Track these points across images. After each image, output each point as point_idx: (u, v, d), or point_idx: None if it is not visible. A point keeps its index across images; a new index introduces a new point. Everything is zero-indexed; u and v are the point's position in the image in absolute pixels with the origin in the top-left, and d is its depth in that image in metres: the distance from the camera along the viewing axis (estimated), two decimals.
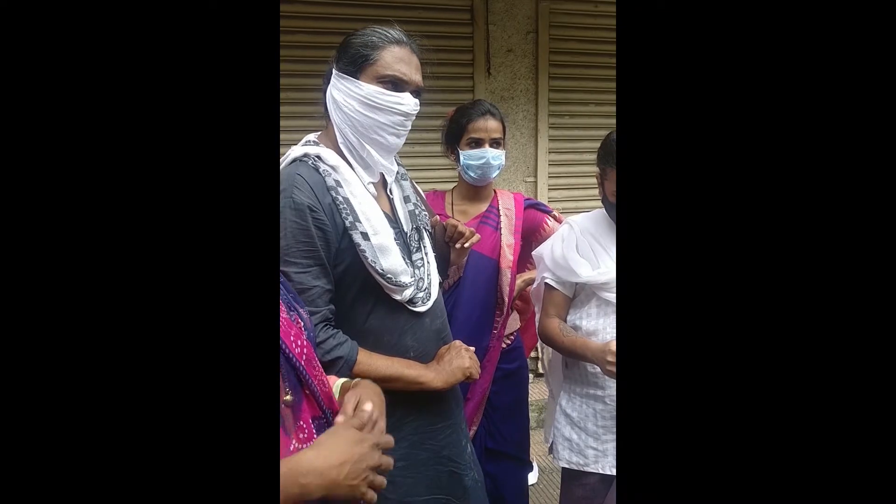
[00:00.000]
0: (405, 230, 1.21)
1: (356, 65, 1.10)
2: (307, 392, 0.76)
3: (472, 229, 1.39)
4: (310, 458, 0.66)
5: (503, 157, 1.74)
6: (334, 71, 1.14)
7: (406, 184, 1.27)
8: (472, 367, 1.20)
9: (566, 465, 1.48)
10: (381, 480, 0.71)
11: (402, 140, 1.16)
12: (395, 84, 1.11)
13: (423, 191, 1.45)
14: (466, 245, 1.36)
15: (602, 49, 3.22)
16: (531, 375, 2.41)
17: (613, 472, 1.40)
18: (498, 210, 1.78)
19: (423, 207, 1.31)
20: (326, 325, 1.07)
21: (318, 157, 1.10)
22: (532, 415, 2.05)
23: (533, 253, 1.59)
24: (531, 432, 1.94)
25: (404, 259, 1.14)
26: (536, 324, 1.55)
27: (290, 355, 0.74)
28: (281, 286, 0.84)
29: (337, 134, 1.14)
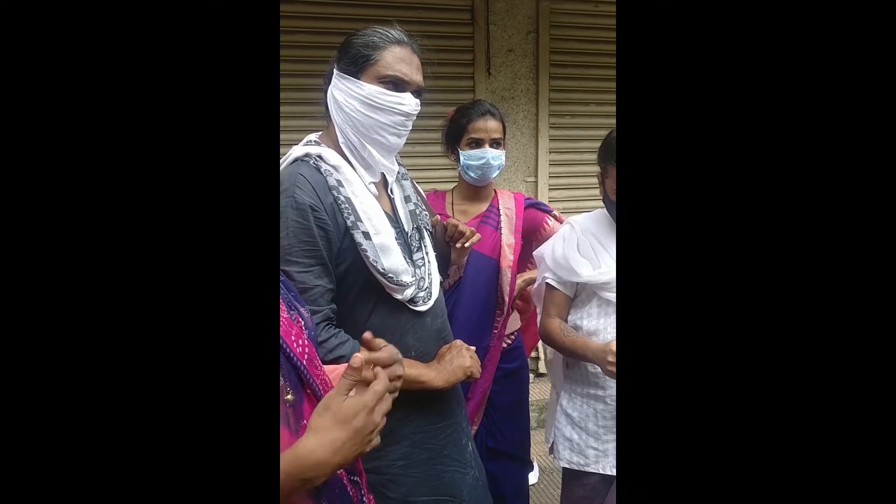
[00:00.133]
0: (406, 230, 1.21)
1: (357, 65, 1.11)
2: (308, 391, 0.76)
3: (473, 229, 1.39)
4: (311, 449, 0.64)
5: (503, 158, 1.74)
6: (335, 71, 1.14)
7: (407, 183, 1.28)
8: (473, 367, 1.21)
9: (567, 465, 1.48)
10: (377, 441, 0.69)
11: (403, 140, 1.16)
12: (396, 84, 1.11)
13: (424, 191, 1.45)
14: (467, 245, 1.36)
15: (602, 49, 3.22)
16: (531, 375, 2.41)
17: (614, 472, 1.40)
18: (498, 210, 1.78)
19: (424, 207, 1.31)
20: (328, 324, 1.07)
21: (320, 157, 1.10)
22: (532, 415, 2.05)
23: (534, 253, 1.60)
24: (531, 432, 1.94)
25: (405, 258, 1.15)
26: (538, 324, 1.55)
27: (291, 354, 0.74)
28: (281, 285, 0.84)
29: (338, 134, 1.14)
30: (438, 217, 1.44)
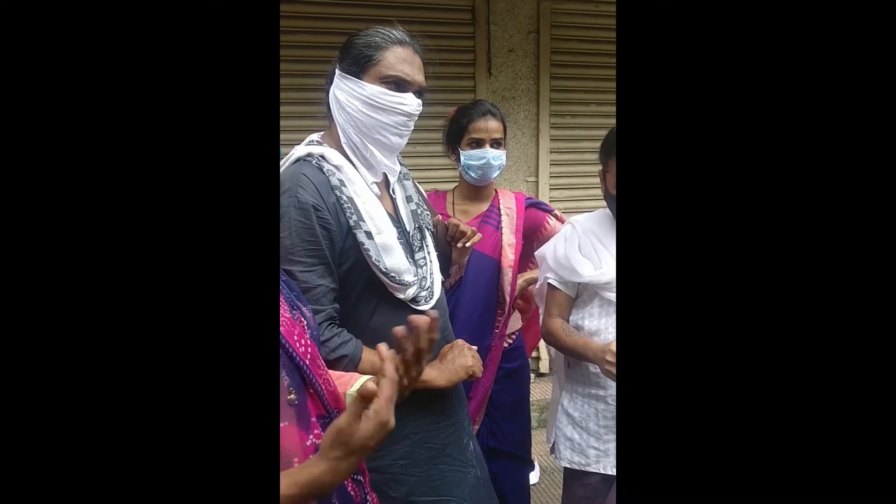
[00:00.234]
0: (408, 229, 1.21)
1: (359, 65, 1.11)
2: (311, 391, 0.76)
3: (474, 228, 1.40)
4: (317, 475, 0.63)
5: (504, 158, 1.74)
6: (337, 71, 1.14)
7: (408, 183, 1.28)
8: (475, 366, 1.21)
9: (568, 465, 1.48)
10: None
11: (405, 140, 1.17)
12: (398, 84, 1.11)
13: (425, 191, 1.45)
14: (468, 244, 1.37)
15: (603, 49, 3.22)
16: (532, 375, 2.41)
17: (615, 471, 1.40)
18: (499, 209, 1.78)
19: (426, 207, 1.32)
20: (331, 323, 1.07)
21: (322, 157, 1.11)
22: (533, 414, 2.05)
23: (535, 253, 1.60)
24: (532, 432, 1.94)
25: (407, 258, 1.15)
26: (540, 324, 1.56)
27: (294, 354, 0.74)
28: (284, 285, 0.84)
29: (340, 134, 1.14)
30: (440, 217, 1.44)
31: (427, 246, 1.25)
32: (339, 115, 1.14)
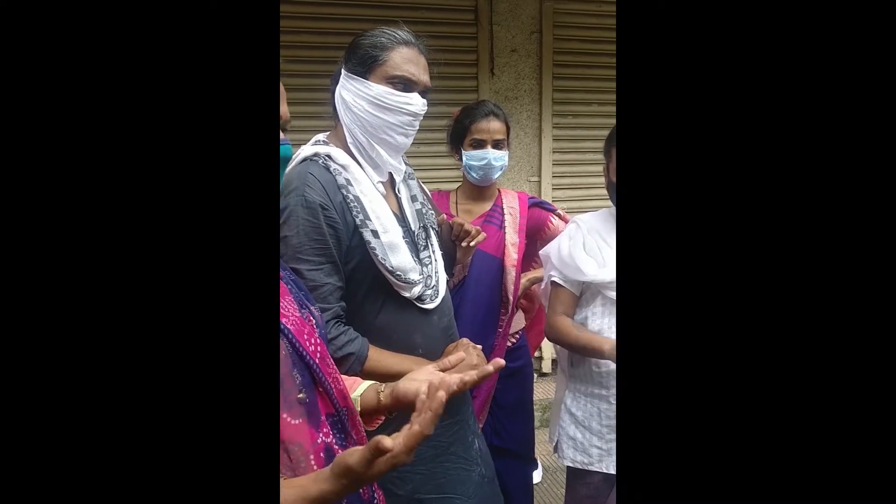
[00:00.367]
0: (413, 229, 1.22)
1: (365, 65, 1.12)
2: (321, 390, 0.76)
3: (479, 228, 1.40)
4: (324, 497, 0.63)
5: (506, 159, 1.75)
6: (343, 71, 1.15)
7: (413, 183, 1.29)
8: (480, 365, 1.21)
9: (570, 464, 1.49)
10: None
11: (411, 140, 1.17)
12: (404, 84, 1.12)
13: (428, 190, 1.46)
14: (472, 243, 1.37)
15: (605, 49, 3.23)
16: (535, 375, 2.41)
17: None
18: (502, 209, 1.79)
19: (430, 206, 1.32)
20: (338, 321, 1.08)
21: (329, 157, 1.11)
22: (535, 414, 2.06)
23: (540, 252, 1.60)
24: (535, 431, 1.95)
25: (412, 257, 1.16)
26: (545, 322, 1.56)
27: (304, 353, 0.74)
28: (293, 284, 0.84)
29: (346, 134, 1.15)
30: (444, 216, 1.45)
31: (432, 245, 1.25)
32: (346, 115, 1.14)
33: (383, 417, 0.91)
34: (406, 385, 0.82)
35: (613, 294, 1.38)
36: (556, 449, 1.55)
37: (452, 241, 1.39)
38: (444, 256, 1.34)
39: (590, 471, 1.45)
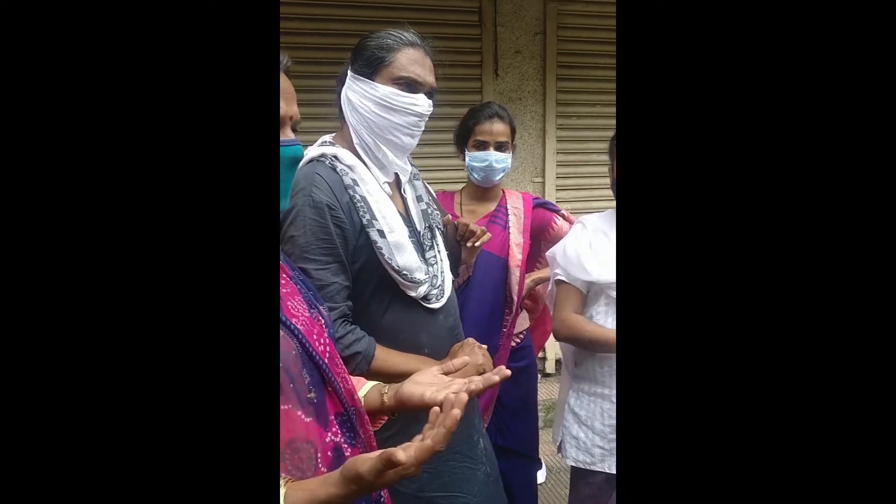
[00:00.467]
0: (418, 229, 1.23)
1: (371, 66, 1.12)
2: (329, 389, 0.77)
3: (484, 228, 1.41)
4: (333, 496, 0.62)
5: (508, 161, 1.75)
6: (349, 73, 1.16)
7: (419, 183, 1.29)
8: (486, 365, 1.22)
9: (573, 464, 1.49)
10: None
11: (416, 140, 1.18)
12: (410, 85, 1.13)
13: (433, 191, 1.47)
14: (477, 244, 1.38)
15: (609, 50, 3.23)
16: (539, 375, 2.42)
17: None
18: (506, 209, 1.80)
19: (435, 207, 1.33)
20: (345, 321, 1.08)
21: (335, 157, 1.12)
22: (540, 414, 2.06)
23: (546, 253, 1.61)
24: (539, 431, 1.95)
25: (418, 256, 1.16)
26: (552, 321, 1.57)
27: (314, 353, 0.74)
28: (302, 284, 0.85)
29: (352, 134, 1.16)
30: (449, 217, 1.45)
31: (437, 245, 1.26)
32: (352, 115, 1.15)
33: (386, 418, 0.92)
34: (410, 388, 0.82)
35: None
36: (559, 449, 1.55)
37: (458, 241, 1.40)
38: (449, 257, 1.35)
39: (592, 470, 1.46)
